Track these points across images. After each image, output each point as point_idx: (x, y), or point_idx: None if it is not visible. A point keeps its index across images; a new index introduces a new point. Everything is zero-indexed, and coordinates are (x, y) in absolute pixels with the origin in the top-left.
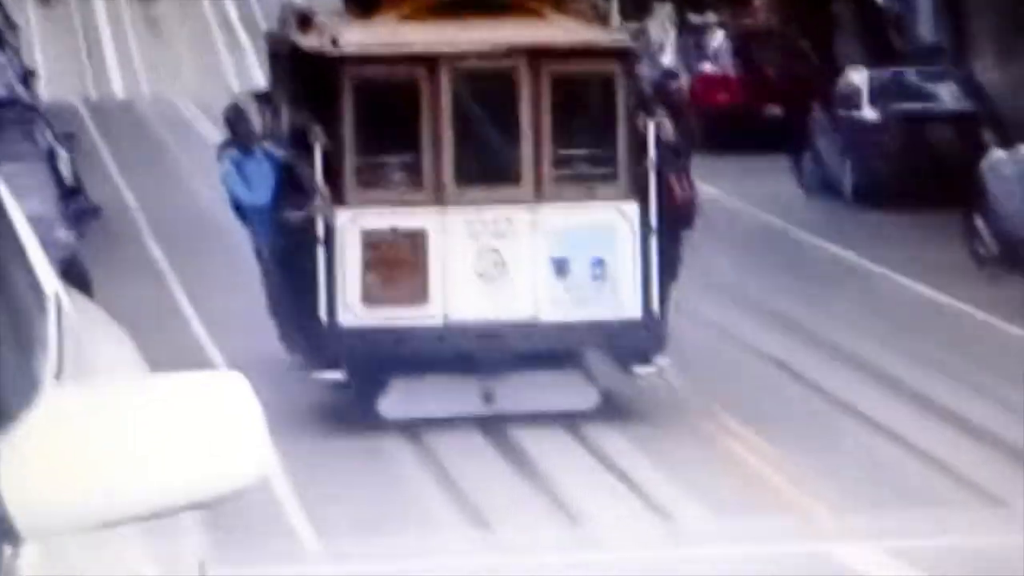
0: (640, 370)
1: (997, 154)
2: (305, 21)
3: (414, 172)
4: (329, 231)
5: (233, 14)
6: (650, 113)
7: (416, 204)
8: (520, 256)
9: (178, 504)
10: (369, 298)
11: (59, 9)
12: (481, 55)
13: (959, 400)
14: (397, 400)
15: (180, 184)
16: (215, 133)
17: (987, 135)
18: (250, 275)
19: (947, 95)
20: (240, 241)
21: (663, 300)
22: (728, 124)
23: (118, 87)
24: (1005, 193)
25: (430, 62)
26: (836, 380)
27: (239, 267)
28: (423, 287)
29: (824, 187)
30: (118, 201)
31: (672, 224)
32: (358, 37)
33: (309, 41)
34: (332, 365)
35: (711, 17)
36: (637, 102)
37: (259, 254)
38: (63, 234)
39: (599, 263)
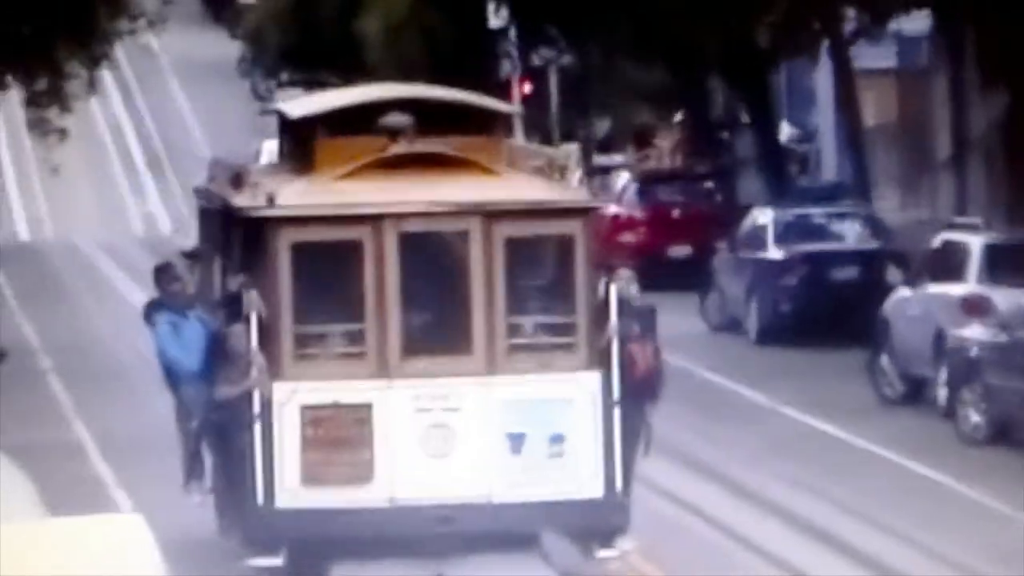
0: (602, 553)
1: (902, 293)
2: (238, 179)
3: (357, 342)
4: (266, 406)
5: (138, 159)
6: (612, 275)
7: (360, 377)
8: (472, 432)
9: None
10: (309, 478)
11: None
12: (430, 215)
13: (865, 538)
14: None
15: (84, 325)
16: (118, 274)
17: (891, 274)
18: (154, 414)
19: (851, 234)
20: (143, 380)
21: (626, 477)
22: (635, 264)
23: (22, 229)
24: (910, 332)
25: (375, 222)
26: (743, 518)
27: (143, 406)
28: (368, 466)
29: (730, 326)
30: (22, 342)
31: (636, 395)
32: (296, 195)
33: (243, 199)
34: (269, 550)
35: (616, 158)
36: (598, 263)
37: (180, 415)
38: None
39: (557, 439)
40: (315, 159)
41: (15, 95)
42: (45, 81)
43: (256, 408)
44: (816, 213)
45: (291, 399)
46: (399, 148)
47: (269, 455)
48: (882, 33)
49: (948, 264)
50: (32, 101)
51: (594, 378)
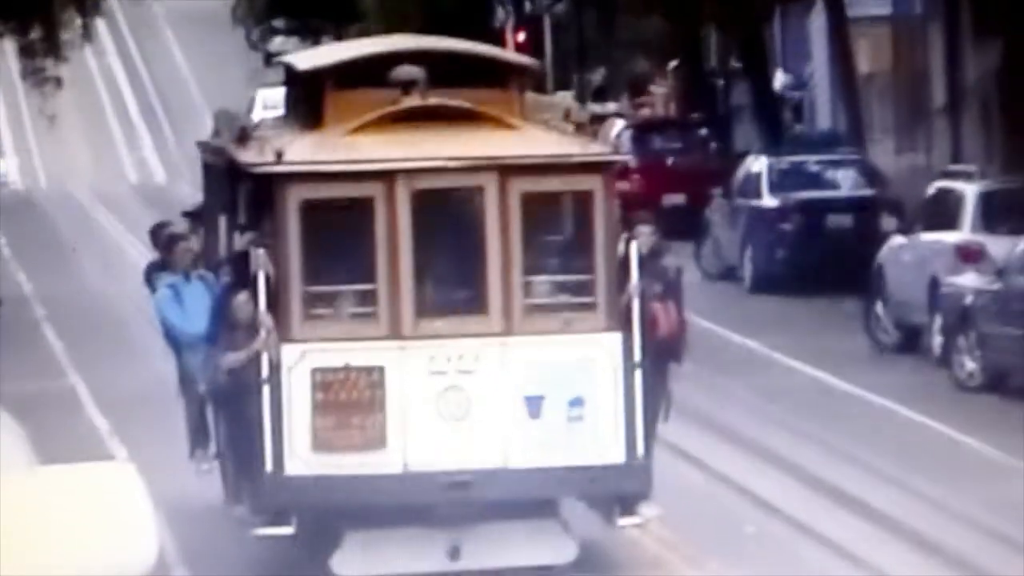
0: (623, 521)
1: (896, 240)
2: (244, 133)
3: (369, 302)
4: (274, 369)
5: (132, 107)
6: (632, 232)
7: (372, 338)
8: (488, 395)
9: None
10: (320, 444)
11: None
12: (443, 170)
13: (860, 486)
14: (352, 557)
15: (78, 273)
16: (112, 222)
17: (886, 221)
18: (148, 366)
19: (846, 182)
20: (138, 331)
21: (648, 442)
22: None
23: (15, 178)
24: (904, 280)
25: (386, 178)
26: (739, 467)
27: (137, 357)
28: (380, 431)
29: (725, 274)
30: (16, 289)
31: (658, 357)
32: (305, 151)
33: (249, 155)
34: (279, 519)
35: (611, 107)
36: (618, 220)
37: (183, 381)
38: None
39: (577, 402)
40: (324, 113)
41: (9, 45)
42: (39, 30)
43: (264, 371)
44: (811, 161)
45: (301, 362)
46: (411, 101)
47: (278, 420)
48: None
49: (942, 212)
50: (26, 51)
51: (615, 339)
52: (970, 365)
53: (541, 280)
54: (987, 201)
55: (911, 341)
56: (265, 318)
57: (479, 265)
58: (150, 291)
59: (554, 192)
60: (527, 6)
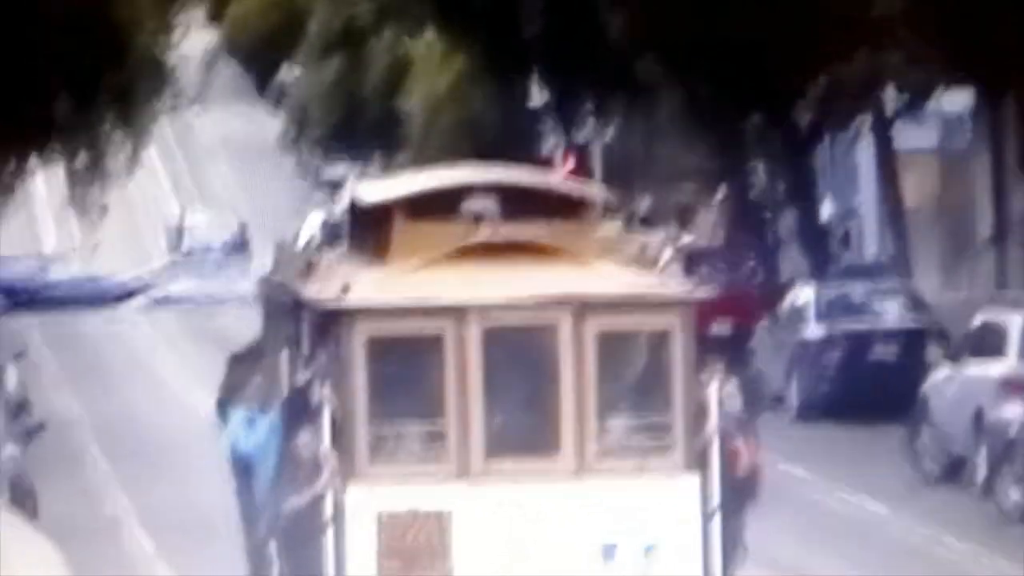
0: None
1: (942, 371)
2: (309, 267)
3: (437, 442)
4: (339, 511)
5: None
6: (711, 372)
7: (440, 480)
8: (559, 541)
9: None
10: None
11: None
12: (517, 307)
13: None
14: None
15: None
16: (148, 339)
17: (932, 352)
18: (193, 485)
19: (893, 312)
20: (184, 453)
21: None
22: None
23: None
24: (949, 411)
25: (457, 314)
26: None
27: (183, 477)
28: None
29: (771, 402)
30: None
31: (735, 498)
32: (373, 286)
33: (313, 288)
34: None
35: (658, 235)
36: (696, 359)
37: (248, 518)
38: (9, 450)
39: (651, 549)
40: (391, 246)
41: (59, 171)
42: (86, 156)
43: (328, 512)
44: (857, 290)
45: (366, 504)
46: (483, 235)
47: (342, 564)
48: (923, 112)
49: (988, 342)
50: (73, 177)
51: (693, 482)
52: (1015, 496)
53: (616, 421)
54: None
55: (955, 472)
56: (329, 456)
57: (552, 405)
58: (221, 422)
59: (632, 330)
60: (576, 135)
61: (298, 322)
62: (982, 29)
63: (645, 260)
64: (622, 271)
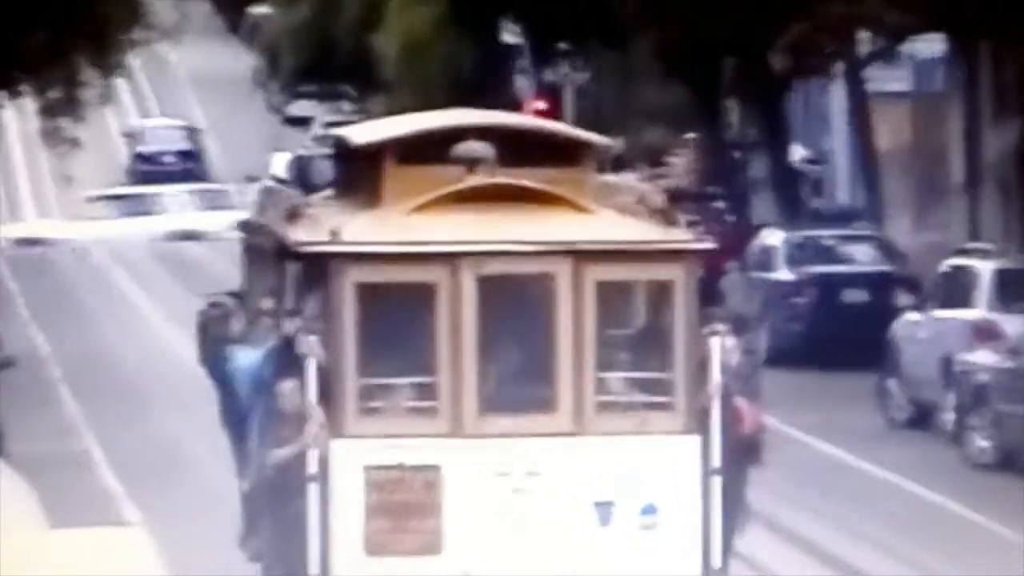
0: None
1: (911, 317)
2: (295, 212)
3: (428, 396)
4: (324, 466)
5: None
6: (713, 327)
7: (431, 435)
8: (556, 500)
9: None
10: (372, 548)
11: None
12: (513, 255)
13: (873, 562)
14: None
15: (93, 330)
16: (125, 279)
17: (901, 298)
18: (160, 426)
19: (862, 257)
20: (152, 391)
21: (726, 555)
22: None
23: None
24: (918, 356)
25: (451, 262)
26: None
27: (149, 417)
28: (437, 536)
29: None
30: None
31: (737, 460)
32: (363, 230)
33: (299, 233)
34: None
35: (629, 177)
36: (698, 314)
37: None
38: None
39: (651, 510)
40: (382, 191)
41: (29, 104)
42: (59, 90)
43: (312, 468)
44: (827, 235)
45: (352, 458)
46: (477, 180)
47: (326, 521)
48: (897, 56)
49: (958, 289)
50: (46, 110)
51: (693, 443)
52: (982, 443)
53: (615, 376)
54: (1002, 279)
55: (924, 418)
56: (315, 410)
57: (549, 359)
58: (211, 370)
59: (632, 281)
60: (547, 75)
61: (283, 269)
62: None
63: (645, 209)
64: (622, 219)
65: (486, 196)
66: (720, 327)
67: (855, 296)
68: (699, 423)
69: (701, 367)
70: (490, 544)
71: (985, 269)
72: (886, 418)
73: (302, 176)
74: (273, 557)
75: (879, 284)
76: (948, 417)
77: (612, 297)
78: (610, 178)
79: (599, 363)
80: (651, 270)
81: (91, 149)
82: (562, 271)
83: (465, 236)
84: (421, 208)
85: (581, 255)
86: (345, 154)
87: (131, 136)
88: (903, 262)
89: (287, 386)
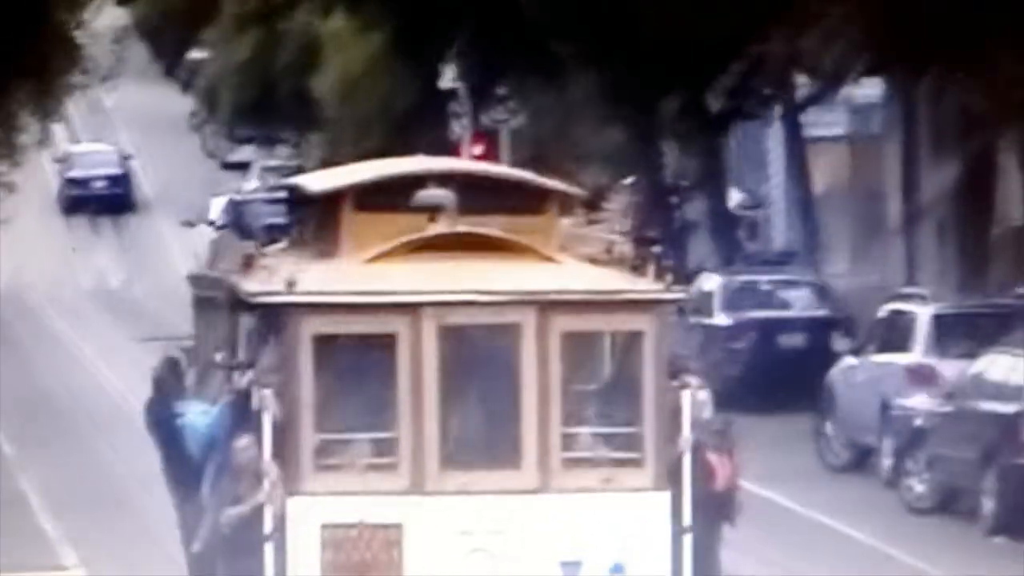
0: None
1: (848, 361)
2: (249, 261)
3: (388, 451)
4: (279, 524)
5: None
6: (683, 380)
7: (391, 492)
8: (521, 559)
9: None
10: None
11: None
12: (476, 305)
13: None
14: None
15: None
16: (59, 323)
17: (838, 342)
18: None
19: (799, 301)
20: (86, 425)
21: None
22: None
23: None
24: (855, 401)
25: (411, 312)
26: None
27: (87, 456)
28: None
29: None
30: None
31: (709, 518)
32: (320, 279)
33: (254, 284)
34: None
35: (565, 221)
36: (668, 366)
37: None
38: None
39: (619, 569)
40: (340, 239)
41: None
42: None
43: (267, 527)
44: (764, 279)
45: (309, 516)
46: (439, 228)
47: None
48: (834, 100)
49: (895, 333)
50: None
51: (663, 499)
52: (919, 487)
53: (582, 430)
54: (939, 323)
55: (861, 461)
56: (270, 467)
57: (513, 412)
58: (154, 430)
59: (599, 331)
60: (484, 119)
61: (236, 321)
62: (900, 13)
63: (612, 259)
64: (589, 268)
65: (448, 245)
66: (692, 379)
67: (792, 340)
68: (669, 479)
69: (672, 420)
70: None
71: (923, 314)
72: (823, 462)
73: (237, 220)
74: None
75: (816, 328)
76: (886, 461)
77: (579, 349)
78: (576, 228)
79: (565, 417)
80: (619, 320)
81: (28, 191)
82: (527, 321)
83: (426, 286)
84: (381, 257)
85: (547, 305)
86: (301, 202)
87: (61, 161)
88: (840, 306)
89: (241, 442)
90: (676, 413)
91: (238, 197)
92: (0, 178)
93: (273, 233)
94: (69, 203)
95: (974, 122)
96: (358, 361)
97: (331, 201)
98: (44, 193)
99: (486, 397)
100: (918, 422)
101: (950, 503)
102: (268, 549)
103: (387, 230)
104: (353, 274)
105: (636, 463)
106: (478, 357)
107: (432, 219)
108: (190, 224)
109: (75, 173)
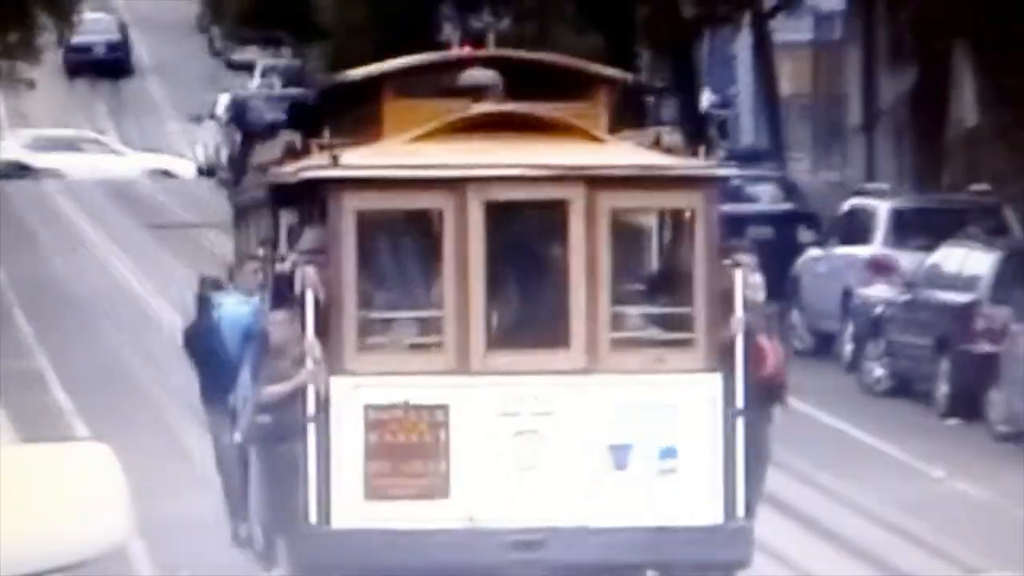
0: None
1: (813, 253)
2: (291, 149)
3: (433, 331)
4: (322, 405)
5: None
6: (735, 259)
7: (435, 373)
8: (568, 442)
9: (43, 566)
10: (373, 493)
11: None
12: (523, 180)
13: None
14: None
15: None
16: (72, 209)
17: (803, 234)
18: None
19: (766, 196)
20: (96, 314)
21: (749, 501)
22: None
23: None
24: (818, 289)
25: (457, 188)
26: None
27: (97, 338)
28: (443, 479)
29: None
30: None
31: (761, 400)
32: (363, 157)
33: (295, 167)
34: None
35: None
36: (720, 245)
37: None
38: None
39: (669, 453)
40: (383, 126)
41: None
42: (17, 35)
43: (310, 408)
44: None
45: (353, 397)
46: (485, 107)
47: (325, 465)
48: (799, 7)
49: (857, 227)
50: (4, 53)
51: (714, 381)
52: (878, 371)
53: (632, 310)
54: (898, 217)
55: (824, 347)
56: (313, 346)
57: (561, 291)
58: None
59: (650, 208)
60: (472, 22)
61: (276, 216)
62: None
63: (661, 148)
64: (638, 149)
65: (493, 125)
66: (744, 258)
67: (760, 233)
68: (721, 361)
69: (723, 301)
70: (497, 488)
71: (882, 208)
72: (789, 347)
73: (240, 117)
74: (268, 509)
75: (783, 221)
76: (847, 347)
77: (628, 232)
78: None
79: (614, 296)
80: (669, 197)
81: (45, 89)
82: (575, 197)
83: (472, 161)
84: (425, 136)
85: (595, 181)
86: (342, 92)
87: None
88: (805, 201)
89: (278, 316)
90: (728, 294)
91: (241, 94)
92: (20, 76)
93: (275, 130)
94: (70, 68)
95: (930, 29)
96: (402, 239)
97: (371, 87)
98: (61, 90)
99: (533, 276)
100: (878, 310)
101: (907, 387)
102: (311, 430)
103: (431, 116)
104: (397, 152)
105: (687, 344)
106: (525, 234)
107: (476, 101)
108: (197, 119)
109: (76, 40)
